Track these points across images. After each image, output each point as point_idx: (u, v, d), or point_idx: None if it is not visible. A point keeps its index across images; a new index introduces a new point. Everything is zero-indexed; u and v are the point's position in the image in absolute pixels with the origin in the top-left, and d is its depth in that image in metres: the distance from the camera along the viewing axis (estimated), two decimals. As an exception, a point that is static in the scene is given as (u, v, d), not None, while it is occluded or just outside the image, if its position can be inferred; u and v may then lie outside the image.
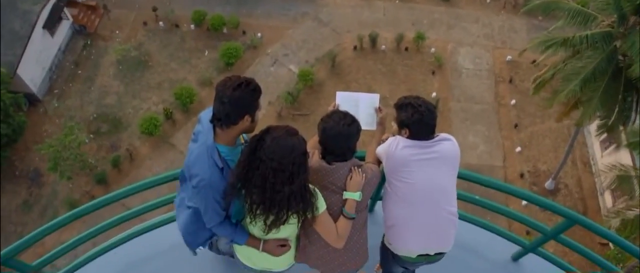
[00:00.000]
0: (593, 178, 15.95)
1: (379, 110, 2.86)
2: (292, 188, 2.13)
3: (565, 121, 14.12)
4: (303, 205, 2.22)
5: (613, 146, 14.87)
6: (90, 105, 16.56)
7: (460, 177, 2.71)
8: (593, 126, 14.12)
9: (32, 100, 16.30)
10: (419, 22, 18.89)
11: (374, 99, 2.88)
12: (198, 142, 2.29)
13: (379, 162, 2.68)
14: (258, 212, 2.20)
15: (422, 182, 2.50)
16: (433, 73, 17.68)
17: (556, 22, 11.88)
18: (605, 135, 12.55)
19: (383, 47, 18.12)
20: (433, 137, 2.54)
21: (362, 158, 2.71)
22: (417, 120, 2.48)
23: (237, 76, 2.17)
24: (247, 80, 2.14)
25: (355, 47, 18.02)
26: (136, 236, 3.29)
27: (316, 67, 17.46)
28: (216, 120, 2.19)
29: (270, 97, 16.72)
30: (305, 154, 2.16)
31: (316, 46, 18.18)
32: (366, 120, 2.81)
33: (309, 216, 2.32)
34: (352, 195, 2.43)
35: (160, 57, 17.71)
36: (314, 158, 2.50)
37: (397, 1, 19.54)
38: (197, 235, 2.57)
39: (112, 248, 3.24)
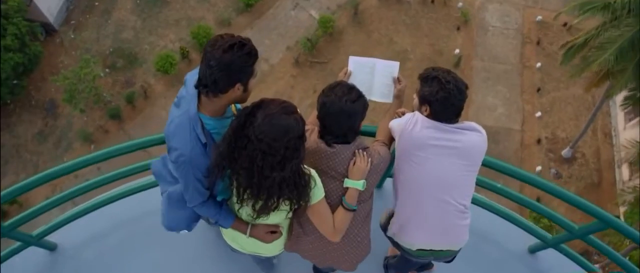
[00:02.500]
0: (612, 150, 15.61)
1: (397, 81, 2.49)
2: (282, 174, 1.85)
3: (591, 89, 13.64)
4: (296, 193, 1.94)
5: (638, 118, 14.42)
6: (107, 39, 16.34)
7: (484, 164, 2.36)
8: (619, 97, 13.64)
9: (48, 30, 16.10)
10: (449, -26, 18.05)
11: (392, 67, 2.50)
12: (180, 109, 1.97)
13: (390, 140, 2.33)
14: (245, 196, 1.93)
15: (433, 171, 2.16)
16: (458, 29, 17.06)
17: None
18: (630, 107, 12.14)
19: (408, -3, 17.43)
20: (456, 121, 2.19)
21: (372, 134, 2.42)
22: (443, 98, 2.12)
23: (230, 35, 1.85)
24: (241, 41, 1.83)
25: (379, -4, 17.37)
26: (127, 195, 3.05)
27: (337, 14, 16.91)
28: (201, 87, 1.87)
29: (289, 42, 16.34)
30: (301, 137, 1.86)
31: (339, -8, 17.54)
32: (381, 91, 2.50)
33: (302, 204, 2.04)
34: (354, 184, 2.11)
35: (178, -7, 17.25)
36: (312, 136, 2.17)
37: (427, -51, 18.59)
38: (177, 215, 2.26)
39: (98, 207, 3.01)
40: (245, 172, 1.85)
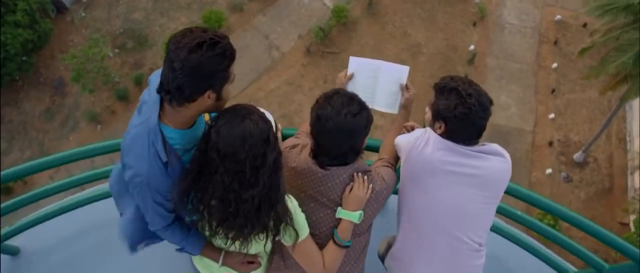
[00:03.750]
0: (626, 156, 15.26)
1: (405, 89, 2.14)
2: (258, 191, 1.52)
3: (608, 93, 13.29)
4: (274, 218, 1.61)
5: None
6: (118, 19, 16.23)
7: (507, 192, 1.98)
8: (636, 102, 13.29)
9: (59, 7, 16.03)
10: (467, -32, 17.66)
11: (400, 72, 2.14)
12: (141, 117, 1.62)
13: (397, 159, 1.97)
14: (218, 229, 1.63)
15: (446, 202, 1.80)
16: (474, 24, 16.71)
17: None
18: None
19: (425, -10, 17.09)
20: (476, 143, 1.83)
21: (374, 149, 2.06)
22: (461, 115, 1.76)
23: (201, 30, 1.50)
24: (213, 38, 1.47)
25: (395, -12, 17.05)
26: (99, 199, 2.80)
27: (352, 4, 16.63)
28: (163, 93, 1.53)
29: (301, 31, 16.11)
30: (266, 141, 1.52)
31: (355, -18, 17.25)
32: (386, 100, 2.15)
33: (281, 238, 1.70)
34: (349, 215, 1.76)
35: (192, -24, 17.06)
36: (303, 154, 1.81)
37: (446, -58, 18.19)
38: (134, 234, 1.92)
39: (68, 210, 2.76)
40: (219, 201, 1.54)
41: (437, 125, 1.87)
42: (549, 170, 14.80)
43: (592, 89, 15.35)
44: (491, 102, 1.82)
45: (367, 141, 1.90)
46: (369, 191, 1.78)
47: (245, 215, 1.57)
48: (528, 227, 2.55)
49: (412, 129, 2.05)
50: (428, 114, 1.93)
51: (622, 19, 10.09)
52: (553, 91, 15.83)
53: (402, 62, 2.19)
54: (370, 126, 1.76)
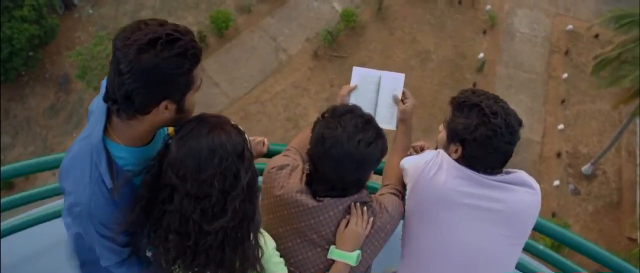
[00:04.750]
0: (635, 170, 15.03)
1: (401, 99, 1.82)
2: (225, 222, 1.22)
3: (619, 106, 13.09)
4: (241, 258, 1.29)
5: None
6: (125, 17, 16.14)
7: (534, 228, 1.65)
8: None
9: (67, 3, 15.97)
10: (479, -25, 17.49)
11: (395, 81, 1.87)
12: (85, 131, 1.34)
13: (404, 184, 1.64)
14: (176, 266, 1.32)
15: (460, 242, 1.50)
16: (484, 32, 16.54)
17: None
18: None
19: (436, -4, 16.94)
20: (500, 172, 1.54)
21: (377, 172, 1.68)
22: (484, 138, 1.47)
23: (157, 23, 1.20)
24: (172, 33, 1.17)
25: (405, -7, 16.90)
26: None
27: (361, 9, 16.49)
28: (110, 102, 1.24)
29: (309, 34, 15.98)
30: (241, 157, 1.23)
31: (365, -14, 17.12)
32: (383, 114, 1.88)
33: None
34: (344, 257, 1.46)
35: (200, -25, 16.98)
36: (293, 178, 1.51)
37: (458, -52, 18.04)
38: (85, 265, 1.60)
39: (33, 225, 2.50)
40: (177, 236, 1.23)
41: (452, 147, 1.56)
42: (556, 182, 14.58)
43: (603, 100, 15.14)
44: (520, 124, 1.53)
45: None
46: (369, 226, 1.48)
47: (207, 251, 1.25)
48: (552, 264, 2.25)
49: (422, 150, 1.78)
50: (442, 134, 1.62)
51: (638, 32, 9.89)
52: (563, 102, 15.62)
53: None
54: (383, 157, 1.48)
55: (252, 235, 1.30)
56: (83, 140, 1.31)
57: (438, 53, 16.16)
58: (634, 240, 13.30)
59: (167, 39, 1.17)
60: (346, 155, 1.39)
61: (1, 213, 2.26)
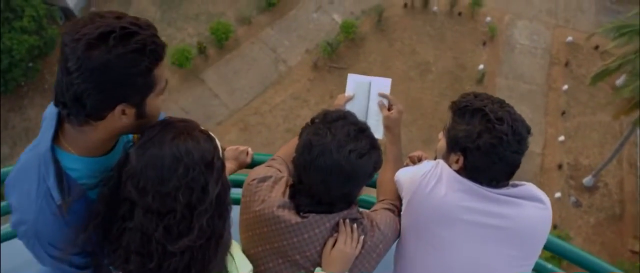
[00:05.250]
0: (637, 182, 14.94)
1: (387, 104, 1.67)
2: (191, 241, 1.07)
3: (620, 117, 13.04)
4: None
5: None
6: (125, 28, 16.21)
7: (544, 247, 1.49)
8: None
9: (68, 14, 16.01)
10: (478, -13, 17.56)
11: (381, 87, 1.71)
12: (36, 139, 1.19)
13: (398, 199, 1.50)
14: None
15: (461, 264, 1.36)
16: (484, 44, 16.56)
17: (629, 6, 10.74)
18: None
19: (435, 8, 16.98)
20: (505, 184, 1.41)
21: (369, 185, 1.53)
22: (488, 146, 1.33)
23: (114, 15, 1.05)
24: (128, 26, 1.03)
25: (405, 5, 16.94)
26: None
27: (361, 20, 16.53)
28: (60, 105, 1.10)
29: (309, 45, 16.00)
30: (210, 166, 1.08)
31: (365, -2, 17.19)
32: (371, 123, 1.64)
33: None
34: None
35: (201, -13, 17.07)
36: (275, 192, 1.37)
37: (458, -40, 18.14)
38: None
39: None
40: (138, 257, 1.08)
41: (453, 157, 1.42)
42: (557, 194, 14.47)
43: (603, 112, 15.10)
44: (528, 131, 1.40)
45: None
46: (359, 245, 1.33)
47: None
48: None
49: (420, 160, 1.64)
50: (441, 142, 1.48)
51: (638, 42, 9.88)
52: (563, 113, 15.58)
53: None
54: (376, 172, 1.35)
55: (219, 255, 1.14)
56: (31, 150, 1.16)
57: (438, 64, 16.15)
58: (636, 253, 13.18)
59: (122, 32, 1.01)
60: (335, 166, 1.24)
61: (1, 218, 2.20)
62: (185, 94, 15.22)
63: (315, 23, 16.66)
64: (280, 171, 1.46)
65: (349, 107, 1.80)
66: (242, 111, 14.79)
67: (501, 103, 1.41)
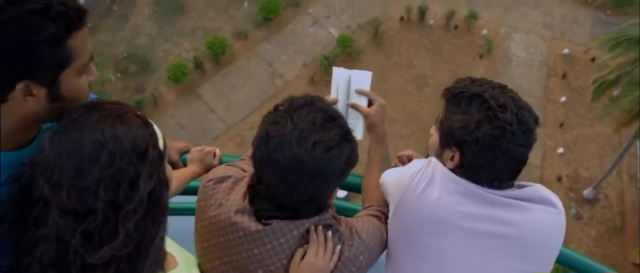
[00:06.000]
0: (638, 193, 14.83)
1: (367, 101, 1.46)
2: (115, 248, 0.85)
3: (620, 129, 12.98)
4: None
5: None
6: (121, 44, 16.19)
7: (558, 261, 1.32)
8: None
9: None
10: (474, 0, 17.60)
11: (361, 81, 1.50)
12: None
13: (386, 205, 1.29)
14: None
15: None
16: (481, 56, 16.58)
17: (625, 18, 10.76)
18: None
19: (431, 21, 17.02)
20: (510, 185, 1.20)
21: (354, 189, 1.41)
22: (489, 139, 1.13)
23: None
24: None
25: (401, 18, 16.98)
26: None
27: (357, 34, 16.56)
28: None
29: (306, 59, 16.00)
30: (143, 157, 0.87)
31: (361, 12, 17.22)
32: (352, 120, 1.49)
33: None
34: None
35: (197, 3, 17.12)
36: (234, 195, 1.17)
37: (453, -26, 18.23)
38: None
39: None
40: (55, 272, 0.84)
41: (448, 154, 1.21)
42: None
43: (601, 123, 15.07)
44: (536, 121, 1.21)
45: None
46: (335, 257, 1.11)
47: None
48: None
49: (410, 160, 1.43)
50: (434, 137, 1.28)
51: (635, 52, 9.86)
52: (562, 125, 15.54)
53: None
54: (349, 171, 1.11)
55: (153, 267, 0.92)
56: None
57: (435, 77, 16.14)
58: (638, 266, 13.03)
59: None
60: (295, 161, 1.01)
61: None
62: (181, 108, 15.17)
63: (312, 37, 16.67)
64: (243, 171, 1.25)
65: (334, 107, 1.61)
66: (239, 126, 14.72)
67: (503, 88, 1.22)
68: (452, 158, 1.21)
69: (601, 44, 10.40)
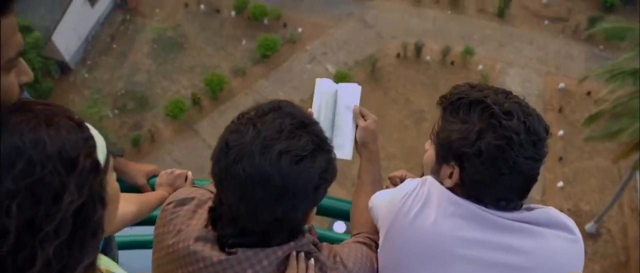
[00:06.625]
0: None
1: (357, 115, 1.33)
2: (45, 254, 0.65)
3: (619, 161, 12.92)
4: None
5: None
6: (120, 81, 16.29)
7: None
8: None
9: (64, 68, 16.17)
10: (469, 37, 17.89)
11: (351, 96, 1.37)
12: None
13: (377, 232, 1.12)
14: None
15: None
16: (477, 91, 16.67)
17: (618, 52, 10.91)
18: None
19: (428, 57, 17.23)
20: (519, 206, 1.03)
21: (343, 216, 1.29)
22: (494, 150, 0.96)
23: None
24: None
25: (398, 55, 17.19)
26: None
27: (354, 70, 16.72)
28: None
29: (303, 95, 16.07)
30: (72, 165, 0.68)
31: (358, 49, 17.45)
32: (336, 139, 1.36)
33: None
34: None
35: (196, 40, 17.33)
36: (196, 220, 1.00)
37: (448, 12, 18.59)
38: None
39: None
40: None
41: (446, 170, 1.05)
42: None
43: (600, 156, 15.02)
44: (547, 130, 1.03)
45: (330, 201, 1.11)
46: None
47: None
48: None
49: (402, 180, 1.24)
50: (430, 152, 1.13)
51: (630, 85, 9.92)
52: (560, 159, 15.47)
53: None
54: (326, 187, 0.93)
55: None
56: None
57: (432, 112, 16.15)
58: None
59: None
60: (258, 174, 0.84)
61: None
62: (178, 145, 15.11)
63: (309, 73, 16.81)
64: (210, 192, 1.05)
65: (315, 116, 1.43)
66: (237, 161, 14.67)
67: (507, 94, 1.04)
68: (450, 176, 1.04)
69: (597, 76, 10.50)
